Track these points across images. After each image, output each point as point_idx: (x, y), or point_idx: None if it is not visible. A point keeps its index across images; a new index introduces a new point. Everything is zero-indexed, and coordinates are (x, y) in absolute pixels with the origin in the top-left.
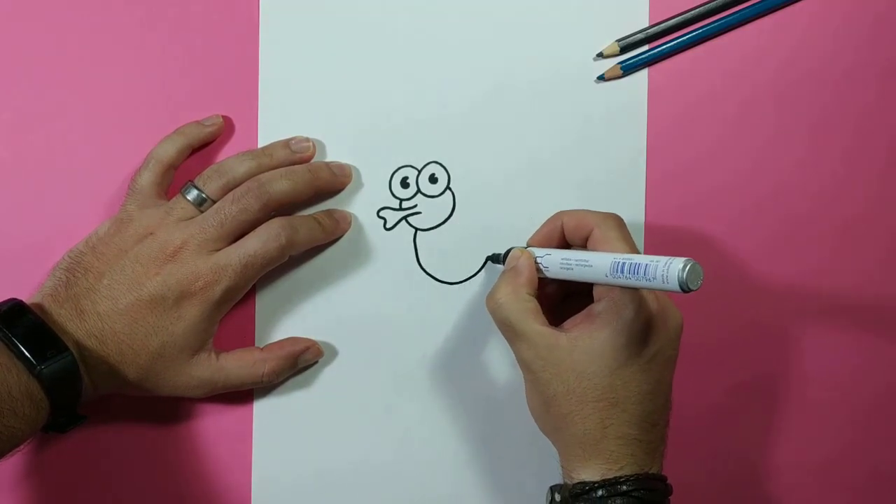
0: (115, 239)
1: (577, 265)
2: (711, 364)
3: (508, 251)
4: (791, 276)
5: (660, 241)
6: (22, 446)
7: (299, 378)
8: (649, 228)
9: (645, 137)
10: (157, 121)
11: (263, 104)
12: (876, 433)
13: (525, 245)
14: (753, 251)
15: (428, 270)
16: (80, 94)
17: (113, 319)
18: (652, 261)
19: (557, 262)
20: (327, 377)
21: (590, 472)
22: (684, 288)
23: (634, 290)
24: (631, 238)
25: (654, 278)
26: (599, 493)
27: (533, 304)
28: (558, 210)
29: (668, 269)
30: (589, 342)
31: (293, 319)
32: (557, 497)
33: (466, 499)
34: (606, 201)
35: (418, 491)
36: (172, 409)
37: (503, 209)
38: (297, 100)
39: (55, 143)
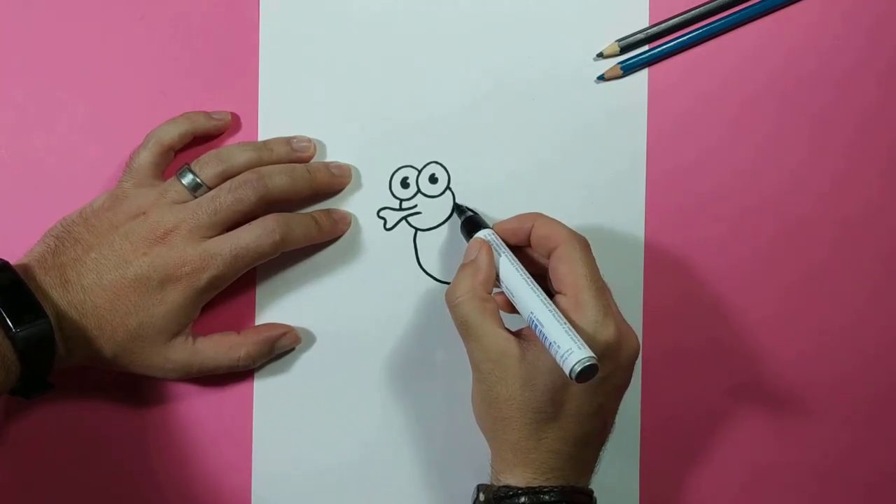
0: (108, 214)
1: (506, 289)
2: (712, 364)
3: (470, 218)
4: (791, 276)
5: (660, 242)
6: None
7: (299, 377)
8: (649, 229)
9: (645, 138)
10: (156, 121)
11: (263, 104)
12: (876, 433)
13: (491, 227)
14: (753, 251)
15: (428, 270)
16: (80, 94)
17: (95, 293)
18: (556, 341)
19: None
20: (327, 376)
21: (516, 478)
22: (573, 378)
23: (594, 316)
24: (594, 262)
25: (554, 355)
26: (522, 499)
27: (491, 304)
28: (555, 210)
29: (565, 360)
30: (538, 355)
31: (293, 319)
32: (482, 497)
33: (467, 499)
34: (606, 202)
35: (418, 490)
36: (172, 409)
37: (503, 209)
38: (297, 100)
39: (55, 143)
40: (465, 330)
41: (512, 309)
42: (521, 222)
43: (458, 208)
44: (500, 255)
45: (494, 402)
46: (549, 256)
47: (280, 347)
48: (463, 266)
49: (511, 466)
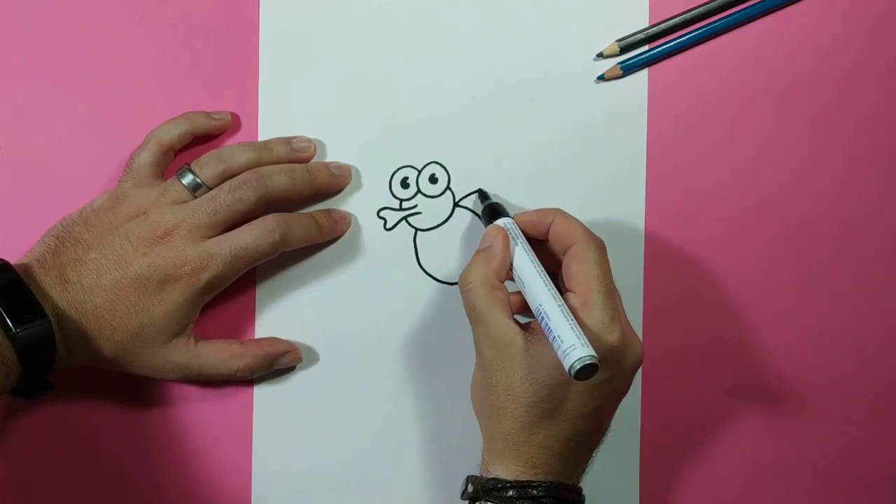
0: (108, 214)
1: (518, 278)
2: (712, 364)
3: (492, 205)
4: (791, 276)
5: (660, 241)
6: None
7: (299, 378)
8: (649, 229)
9: (645, 138)
10: (156, 121)
11: (263, 104)
12: (876, 433)
13: (512, 216)
14: (753, 251)
15: (428, 270)
16: (80, 94)
17: (95, 293)
18: (560, 335)
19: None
20: (327, 377)
21: (506, 471)
22: (572, 375)
23: (601, 317)
24: (608, 265)
25: (556, 349)
26: (510, 492)
27: (502, 293)
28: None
29: (567, 355)
30: (542, 350)
31: (293, 319)
32: (470, 488)
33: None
34: (606, 201)
35: (419, 490)
36: (173, 409)
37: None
38: (297, 100)
39: (55, 143)
40: (474, 316)
41: (525, 310)
42: (540, 216)
43: (481, 194)
44: (516, 244)
45: (493, 390)
46: (564, 254)
47: (280, 364)
48: (478, 252)
49: (502, 458)
